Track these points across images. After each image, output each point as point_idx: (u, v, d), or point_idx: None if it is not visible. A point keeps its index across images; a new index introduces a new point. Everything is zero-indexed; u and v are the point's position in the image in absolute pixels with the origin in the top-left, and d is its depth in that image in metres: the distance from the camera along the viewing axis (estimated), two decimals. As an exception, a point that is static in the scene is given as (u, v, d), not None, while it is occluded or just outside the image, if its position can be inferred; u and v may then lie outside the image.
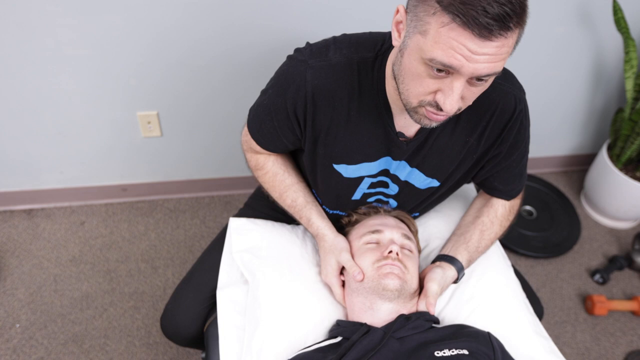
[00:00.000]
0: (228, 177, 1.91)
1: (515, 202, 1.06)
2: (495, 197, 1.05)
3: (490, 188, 1.03)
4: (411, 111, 0.77)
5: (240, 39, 1.50)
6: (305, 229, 1.13)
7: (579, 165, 2.20)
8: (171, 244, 1.81)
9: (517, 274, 1.17)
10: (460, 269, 0.98)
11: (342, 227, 1.08)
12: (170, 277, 1.71)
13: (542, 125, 2.01)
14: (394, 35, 0.75)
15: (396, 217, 1.04)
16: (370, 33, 0.90)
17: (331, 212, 1.09)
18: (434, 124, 0.78)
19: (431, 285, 0.93)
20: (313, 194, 1.08)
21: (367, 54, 0.86)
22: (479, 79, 0.69)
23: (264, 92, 0.96)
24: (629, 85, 1.76)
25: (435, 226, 1.13)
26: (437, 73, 0.68)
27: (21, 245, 1.77)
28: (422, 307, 0.94)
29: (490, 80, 0.72)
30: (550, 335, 1.66)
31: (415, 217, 1.14)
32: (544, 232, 1.93)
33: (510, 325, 0.99)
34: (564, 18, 1.67)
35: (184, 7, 1.40)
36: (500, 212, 1.04)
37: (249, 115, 1.02)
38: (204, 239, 1.82)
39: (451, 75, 0.68)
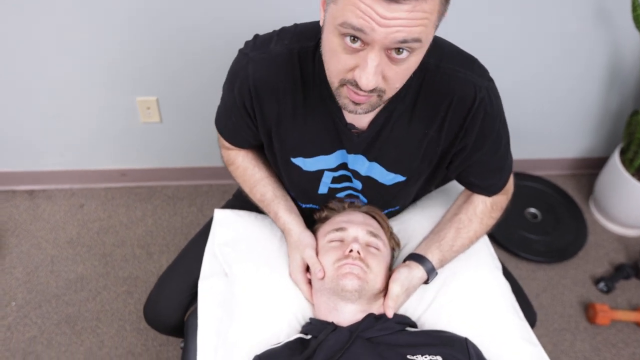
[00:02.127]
0: (227, 166, 1.90)
1: (499, 198, 1.00)
2: (476, 193, 1.00)
3: (468, 183, 0.98)
4: (336, 94, 0.74)
5: (240, 24, 1.48)
6: None
7: (590, 169, 2.13)
8: (167, 230, 1.81)
9: (510, 277, 1.12)
10: (430, 270, 0.93)
11: (315, 223, 1.05)
12: (165, 264, 1.71)
13: (551, 125, 1.94)
14: (320, 16, 0.73)
15: (366, 212, 1.01)
16: (316, 21, 0.85)
17: (304, 206, 1.07)
18: (359, 110, 0.74)
19: (393, 287, 0.89)
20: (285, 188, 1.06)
21: (307, 43, 0.82)
22: (398, 51, 0.64)
23: (222, 88, 0.95)
24: (646, 87, 1.69)
25: (418, 222, 1.09)
26: (351, 44, 0.64)
27: (21, 225, 1.79)
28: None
29: (414, 58, 0.67)
30: (549, 342, 1.61)
31: (396, 211, 1.10)
32: (548, 236, 1.87)
33: (495, 330, 0.95)
34: (579, 14, 1.60)
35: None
36: (480, 208, 0.99)
37: (216, 112, 1.01)
38: (200, 227, 1.81)
39: (366, 47, 0.64)
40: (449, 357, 0.82)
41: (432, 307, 0.98)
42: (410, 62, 0.68)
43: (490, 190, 0.98)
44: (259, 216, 1.11)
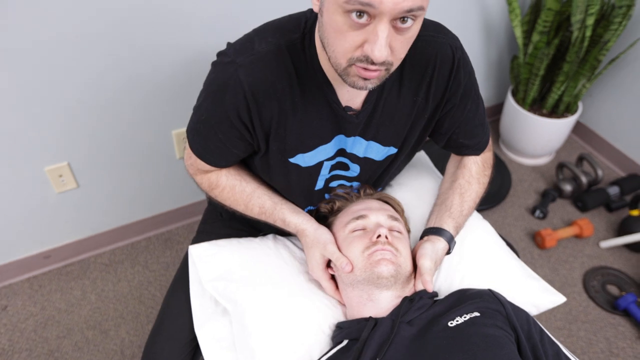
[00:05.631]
0: (162, 212, 1.76)
1: (487, 155, 1.05)
2: (466, 156, 1.03)
3: (458, 147, 1.01)
4: (343, 74, 0.73)
5: (144, 64, 1.38)
6: (275, 237, 1.06)
7: (491, 116, 2.33)
8: (117, 300, 1.63)
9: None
10: (449, 239, 0.95)
11: (325, 218, 1.02)
12: (126, 337, 1.54)
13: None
14: (314, 3, 0.73)
15: (379, 199, 1.00)
16: (290, 15, 0.85)
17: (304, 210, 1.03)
18: (369, 85, 0.74)
19: (424, 262, 0.89)
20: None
21: (293, 36, 0.81)
22: (403, 20, 0.66)
23: (197, 108, 0.89)
24: (518, 32, 1.88)
25: (409, 199, 1.10)
26: (357, 20, 0.65)
27: None
28: (420, 287, 0.90)
29: (416, 27, 0.69)
30: (514, 278, 1.73)
31: None
32: (480, 186, 2.01)
33: (504, 276, 1.00)
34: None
35: (73, 40, 1.25)
36: (475, 169, 1.02)
37: (189, 136, 0.94)
38: (152, 284, 1.67)
39: (373, 20, 0.65)
40: (485, 310, 0.84)
41: (442, 273, 1.00)
42: (413, 31, 0.69)
43: (479, 147, 1.02)
44: (241, 240, 1.04)
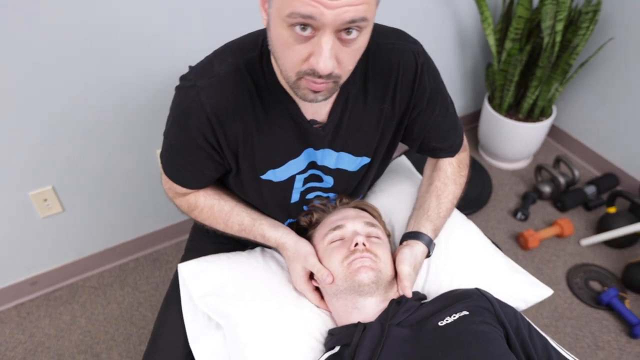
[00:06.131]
0: (149, 232, 1.76)
1: (462, 155, 1.07)
2: (441, 158, 1.05)
3: (432, 150, 1.03)
4: (294, 87, 0.74)
5: (127, 86, 1.39)
6: (263, 249, 1.08)
7: (469, 124, 2.38)
8: (107, 323, 1.62)
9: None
10: (428, 242, 0.96)
11: (306, 230, 1.03)
12: (118, 359, 1.53)
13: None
14: (263, 17, 0.74)
15: (355, 207, 1.02)
16: (248, 34, 0.87)
17: (284, 224, 1.04)
18: (319, 97, 0.75)
19: (402, 268, 0.90)
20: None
21: (251, 55, 0.83)
22: (348, 31, 0.66)
23: (166, 134, 0.91)
24: (491, 40, 1.95)
25: (391, 205, 1.12)
26: (302, 33, 0.66)
27: None
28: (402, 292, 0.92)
29: (362, 38, 0.70)
30: (500, 280, 1.76)
31: None
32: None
33: (492, 273, 1.02)
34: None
35: (54, 62, 1.27)
36: (450, 171, 1.04)
37: (162, 161, 0.96)
38: (142, 305, 1.66)
39: (317, 32, 0.66)
40: (473, 308, 0.86)
41: (430, 274, 1.02)
42: (360, 42, 0.70)
43: (452, 149, 1.03)
44: (229, 255, 1.05)
